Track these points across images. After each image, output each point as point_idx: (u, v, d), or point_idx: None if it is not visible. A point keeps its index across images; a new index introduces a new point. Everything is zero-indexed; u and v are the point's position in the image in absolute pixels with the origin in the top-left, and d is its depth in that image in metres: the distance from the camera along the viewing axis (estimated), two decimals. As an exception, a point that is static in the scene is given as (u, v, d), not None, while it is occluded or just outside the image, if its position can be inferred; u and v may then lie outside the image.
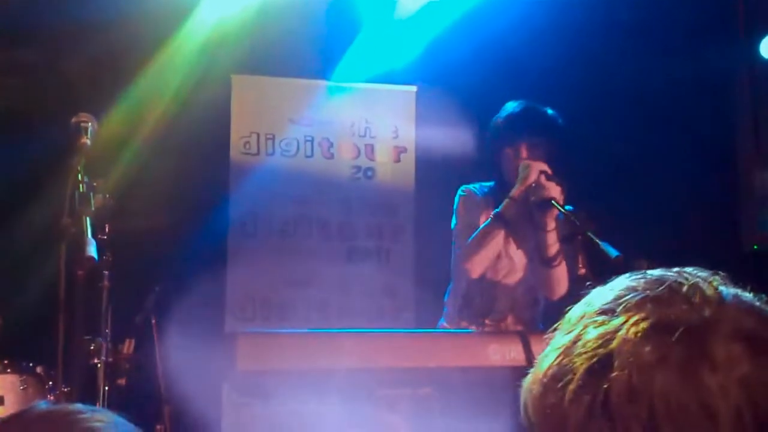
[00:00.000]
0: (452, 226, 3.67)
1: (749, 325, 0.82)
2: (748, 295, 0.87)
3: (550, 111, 3.60)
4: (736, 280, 0.90)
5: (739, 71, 4.16)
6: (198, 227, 4.37)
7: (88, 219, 2.65)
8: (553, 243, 3.44)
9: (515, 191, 3.46)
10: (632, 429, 0.79)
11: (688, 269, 0.89)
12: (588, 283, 0.96)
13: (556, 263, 3.46)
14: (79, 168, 2.80)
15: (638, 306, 0.84)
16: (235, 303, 4.92)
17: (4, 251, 4.29)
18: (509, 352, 3.06)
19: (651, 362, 0.80)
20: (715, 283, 0.87)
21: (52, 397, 3.59)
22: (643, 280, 0.88)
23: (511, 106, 3.65)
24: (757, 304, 0.86)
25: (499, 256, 3.60)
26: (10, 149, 4.48)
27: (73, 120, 2.95)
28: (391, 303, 5.14)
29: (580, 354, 0.84)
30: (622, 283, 0.89)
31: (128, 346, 3.97)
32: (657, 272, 0.89)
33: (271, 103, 5.15)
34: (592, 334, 0.85)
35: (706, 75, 4.21)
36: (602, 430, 0.80)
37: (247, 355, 2.96)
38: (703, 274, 0.88)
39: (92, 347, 3.46)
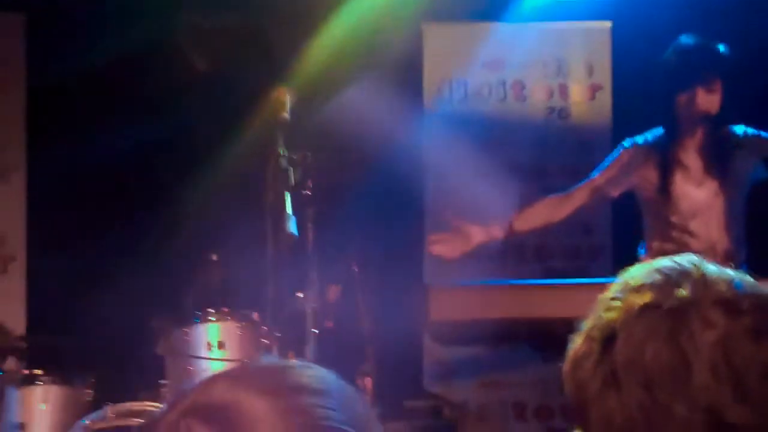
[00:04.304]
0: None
1: (727, 295, 1.01)
2: (731, 272, 1.05)
3: (722, 47, 3.47)
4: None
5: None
6: (395, 177, 4.52)
7: (288, 195, 2.80)
8: None
9: None
10: (633, 392, 0.99)
11: (686, 256, 1.08)
12: None
13: None
14: (280, 142, 2.95)
15: (637, 290, 1.04)
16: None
17: (227, 208, 4.61)
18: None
19: (643, 337, 1.00)
20: (701, 266, 1.05)
21: (266, 342, 3.89)
22: (647, 270, 1.07)
23: (682, 43, 3.53)
24: (737, 278, 1.04)
25: (675, 197, 3.55)
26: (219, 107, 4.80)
27: (273, 94, 3.12)
28: (587, 241, 5.12)
29: (595, 336, 1.04)
30: (632, 272, 1.09)
31: (334, 292, 4.21)
32: (663, 261, 1.08)
33: (462, 49, 5.17)
34: (603, 318, 1.05)
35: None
36: (613, 396, 1.00)
37: (439, 306, 3.11)
38: (695, 259, 1.07)
39: (300, 296, 3.73)
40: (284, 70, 4.76)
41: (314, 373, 0.93)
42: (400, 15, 4.98)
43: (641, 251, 3.76)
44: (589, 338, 1.05)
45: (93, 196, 4.91)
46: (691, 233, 3.55)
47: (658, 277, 1.05)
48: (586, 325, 1.07)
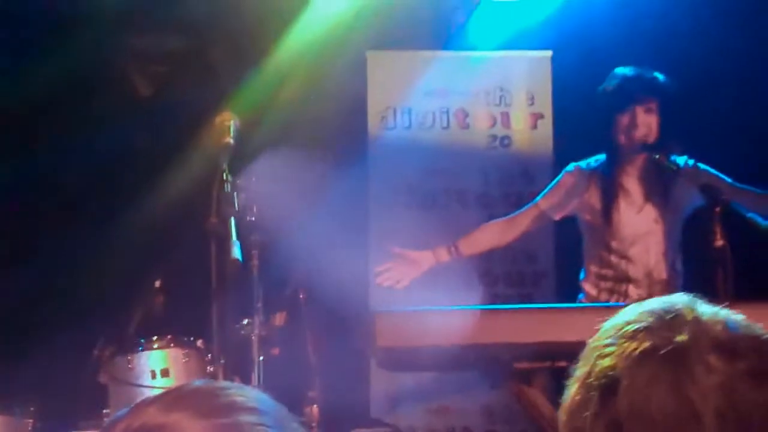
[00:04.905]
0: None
1: (723, 338, 1.00)
2: (723, 312, 1.04)
3: (659, 75, 3.59)
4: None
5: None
6: (340, 203, 4.52)
7: (232, 220, 2.80)
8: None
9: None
10: None
11: (676, 296, 1.07)
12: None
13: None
14: (224, 167, 2.95)
15: (633, 336, 1.02)
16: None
17: (169, 234, 4.57)
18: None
19: (645, 384, 0.98)
20: (694, 307, 1.04)
21: (211, 369, 3.85)
22: (638, 312, 1.06)
23: (620, 71, 3.65)
24: (731, 318, 1.03)
25: (616, 223, 3.63)
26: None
27: (217, 119, 3.12)
28: (531, 267, 5.18)
29: (592, 384, 1.02)
30: (623, 315, 1.06)
31: (280, 318, 4.19)
32: (653, 302, 1.07)
33: (406, 77, 5.22)
34: (600, 365, 1.02)
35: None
36: None
37: (385, 333, 3.11)
38: (686, 299, 1.06)
39: (245, 323, 3.71)
40: (228, 95, 4.75)
41: (248, 393, 0.94)
42: (345, 42, 5.01)
43: (581, 276, 3.83)
44: (585, 386, 1.03)
45: (33, 220, 4.83)
46: (629, 259, 3.63)
47: (650, 319, 1.04)
48: (579, 371, 1.05)
